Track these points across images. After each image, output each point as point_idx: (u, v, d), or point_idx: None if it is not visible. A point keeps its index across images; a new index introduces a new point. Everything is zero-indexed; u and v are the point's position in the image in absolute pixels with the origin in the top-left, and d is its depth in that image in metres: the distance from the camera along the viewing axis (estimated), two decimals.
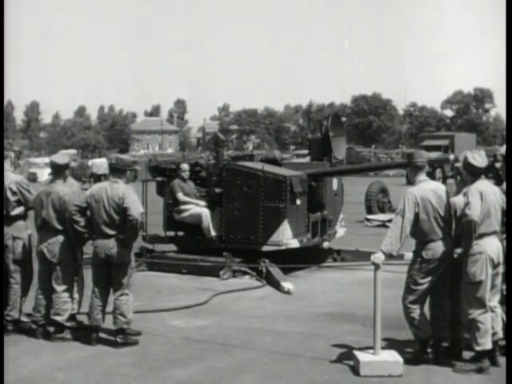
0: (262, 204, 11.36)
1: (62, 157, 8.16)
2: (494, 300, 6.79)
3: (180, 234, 12.50)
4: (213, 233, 11.86)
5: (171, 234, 12.56)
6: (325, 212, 12.46)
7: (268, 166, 11.83)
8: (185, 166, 12.41)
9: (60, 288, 7.79)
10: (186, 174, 12.39)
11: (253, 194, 11.44)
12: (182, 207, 12.16)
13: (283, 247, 11.31)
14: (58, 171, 7.96)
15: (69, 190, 7.88)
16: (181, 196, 12.16)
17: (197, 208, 12.06)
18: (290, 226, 11.35)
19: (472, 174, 6.85)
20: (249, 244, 11.46)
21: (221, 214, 11.71)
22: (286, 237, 11.29)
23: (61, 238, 7.81)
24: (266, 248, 11.33)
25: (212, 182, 12.07)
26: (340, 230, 13.28)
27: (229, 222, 11.59)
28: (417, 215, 6.87)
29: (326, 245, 13.08)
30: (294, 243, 11.44)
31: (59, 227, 7.80)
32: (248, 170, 11.61)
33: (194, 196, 12.30)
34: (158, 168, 12.94)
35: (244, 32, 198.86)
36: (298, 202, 11.52)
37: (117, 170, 7.75)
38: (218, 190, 11.80)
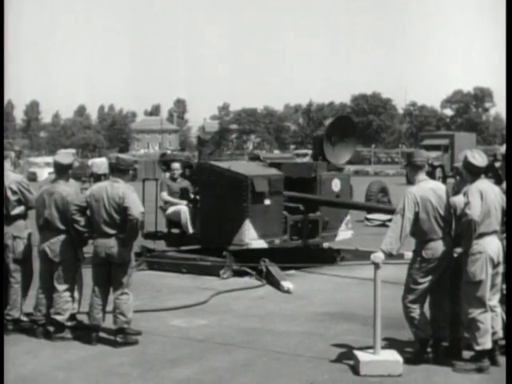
0: (227, 203, 11.50)
1: (66, 157, 8.15)
2: (493, 299, 6.79)
3: (175, 231, 12.61)
4: (191, 230, 12.11)
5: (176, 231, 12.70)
6: (317, 214, 12.20)
7: (236, 165, 12.02)
8: (176, 165, 12.87)
9: (61, 287, 7.79)
10: (176, 173, 12.77)
11: (221, 193, 11.60)
12: (167, 204, 12.61)
13: (245, 247, 11.37)
14: (62, 171, 7.96)
15: (71, 191, 7.89)
16: (163, 195, 12.66)
17: (179, 205, 12.37)
18: (255, 226, 11.31)
19: (472, 173, 6.85)
20: (218, 243, 11.59)
21: (195, 212, 11.98)
22: (248, 237, 11.30)
23: (63, 237, 7.81)
24: (232, 247, 11.45)
25: (192, 180, 12.45)
26: (344, 233, 12.87)
27: (202, 221, 11.80)
28: (417, 215, 6.87)
29: (325, 245, 13.09)
30: (260, 244, 11.41)
31: (62, 227, 7.80)
32: (217, 169, 11.76)
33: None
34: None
35: (244, 32, 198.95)
36: (267, 202, 11.46)
37: (118, 170, 7.76)
38: (193, 189, 12.18)
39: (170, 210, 12.48)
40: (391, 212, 11.24)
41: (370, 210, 12.56)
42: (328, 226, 12.39)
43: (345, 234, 12.91)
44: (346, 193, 12.82)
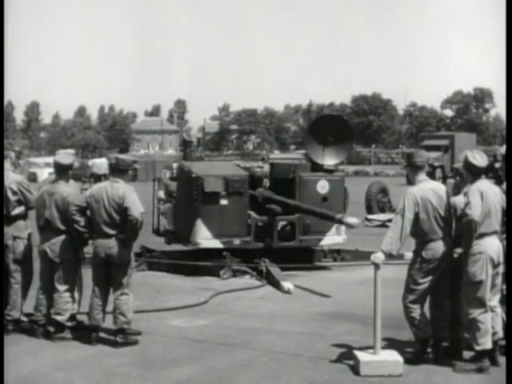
0: (184, 203, 11.75)
1: (66, 157, 8.14)
2: (494, 300, 6.79)
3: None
4: (170, 227, 12.42)
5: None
6: (295, 216, 11.87)
7: (205, 165, 12.27)
8: (175, 165, 12.90)
9: (62, 288, 7.79)
10: (175, 173, 12.83)
11: (182, 192, 11.87)
12: (161, 202, 12.96)
13: (197, 247, 11.52)
14: (62, 172, 7.96)
15: (72, 191, 7.89)
16: (159, 194, 12.98)
17: (168, 204, 12.66)
18: (208, 226, 11.36)
19: (472, 173, 6.85)
20: (182, 241, 11.87)
21: (173, 210, 12.27)
22: (200, 236, 11.40)
23: (63, 237, 7.80)
24: (189, 246, 11.72)
25: (172, 180, 12.69)
26: (331, 238, 12.28)
27: (174, 218, 12.14)
28: (417, 215, 6.87)
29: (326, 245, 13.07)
30: (214, 244, 11.47)
31: (62, 227, 7.80)
32: (183, 169, 11.96)
33: None
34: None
35: (244, 32, 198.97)
36: (224, 202, 11.49)
37: (118, 171, 7.76)
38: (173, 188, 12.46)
39: (163, 208, 12.81)
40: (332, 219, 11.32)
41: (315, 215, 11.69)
42: (311, 229, 11.98)
43: (332, 239, 12.32)
44: (338, 196, 12.22)
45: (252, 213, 11.71)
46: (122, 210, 7.49)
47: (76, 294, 8.01)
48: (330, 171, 12.46)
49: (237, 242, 11.58)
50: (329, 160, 12.65)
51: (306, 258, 12.23)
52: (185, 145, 13.45)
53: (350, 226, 11.22)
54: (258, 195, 11.97)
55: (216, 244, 11.48)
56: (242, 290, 10.43)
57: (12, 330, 7.91)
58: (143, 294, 9.87)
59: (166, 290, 10.44)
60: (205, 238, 11.41)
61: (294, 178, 12.17)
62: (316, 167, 12.51)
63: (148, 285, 10.67)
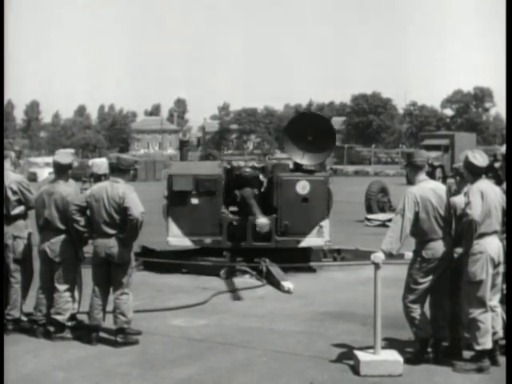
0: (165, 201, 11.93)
1: (66, 156, 8.14)
2: (494, 299, 6.79)
3: None
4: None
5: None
6: (272, 216, 11.64)
7: (186, 164, 12.41)
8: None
9: (62, 287, 7.79)
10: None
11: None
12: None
13: (168, 244, 11.71)
14: (61, 171, 7.96)
15: (71, 190, 7.89)
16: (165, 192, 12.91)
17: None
18: (178, 225, 11.48)
19: (473, 173, 6.85)
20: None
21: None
22: (171, 234, 11.59)
23: (63, 237, 7.80)
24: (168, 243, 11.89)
25: None
26: (312, 240, 11.82)
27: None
28: (417, 215, 6.87)
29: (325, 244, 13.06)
30: (183, 242, 11.63)
31: (62, 227, 7.80)
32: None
33: None
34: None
35: (244, 31, 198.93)
36: (195, 201, 11.58)
37: (119, 170, 7.76)
38: None
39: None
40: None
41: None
42: (289, 230, 11.70)
43: (313, 241, 11.88)
44: (320, 197, 11.75)
45: (226, 212, 11.75)
46: (122, 210, 7.49)
47: (76, 294, 8.01)
48: (311, 171, 11.98)
49: (208, 240, 11.67)
50: (309, 160, 12.09)
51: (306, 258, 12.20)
52: (181, 145, 13.56)
53: (259, 227, 11.13)
54: (238, 195, 11.98)
55: (186, 242, 11.67)
56: (242, 290, 10.42)
57: (12, 330, 7.92)
58: (143, 293, 9.88)
59: (166, 290, 10.45)
60: (175, 236, 11.61)
61: (271, 178, 12.06)
62: (297, 167, 12.13)
63: (148, 285, 10.67)
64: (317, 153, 12.05)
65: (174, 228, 11.56)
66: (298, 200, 11.71)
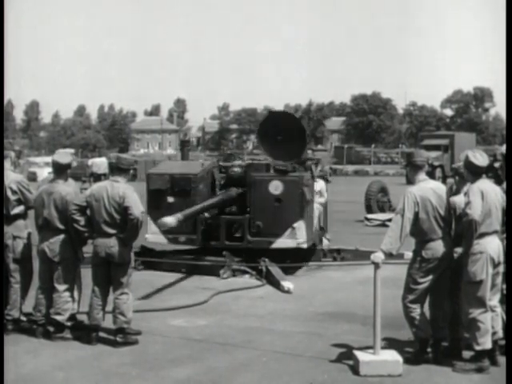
0: None
1: (65, 156, 8.13)
2: (494, 299, 6.78)
3: None
4: None
5: None
6: (245, 216, 11.58)
7: (172, 163, 12.78)
8: None
9: (61, 287, 7.78)
10: None
11: None
12: None
13: (147, 241, 11.91)
14: (60, 171, 7.95)
15: (70, 190, 7.88)
16: None
17: None
18: (155, 222, 11.40)
19: (473, 173, 6.85)
20: None
21: None
22: (148, 231, 11.78)
23: (62, 237, 7.80)
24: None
25: None
26: (283, 241, 11.46)
27: None
28: (416, 214, 6.87)
29: (325, 244, 13.05)
30: (159, 239, 11.84)
31: (61, 227, 7.79)
32: None
33: None
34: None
35: (244, 31, 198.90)
36: (171, 199, 11.72)
37: (119, 169, 7.77)
38: None
39: None
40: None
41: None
42: (262, 231, 11.48)
43: (285, 243, 11.46)
44: (293, 197, 11.40)
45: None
46: (123, 210, 7.49)
47: (75, 294, 8.00)
48: (285, 172, 11.60)
49: (182, 239, 11.83)
50: (281, 160, 11.75)
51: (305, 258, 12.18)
52: (182, 145, 13.72)
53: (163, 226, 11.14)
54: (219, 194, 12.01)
55: (161, 239, 11.86)
56: (242, 290, 10.42)
57: (12, 330, 7.91)
58: (143, 293, 9.87)
59: (166, 290, 10.43)
60: (152, 233, 11.79)
61: (244, 178, 11.97)
62: (271, 167, 11.80)
63: (148, 284, 10.66)
64: (288, 152, 11.76)
65: (152, 225, 11.67)
66: (271, 200, 11.45)
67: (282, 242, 11.47)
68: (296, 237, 11.42)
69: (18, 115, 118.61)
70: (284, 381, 6.52)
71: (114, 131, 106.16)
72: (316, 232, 12.64)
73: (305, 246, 11.57)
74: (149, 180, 11.96)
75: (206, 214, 11.74)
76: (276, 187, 11.43)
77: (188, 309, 9.20)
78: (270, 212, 11.45)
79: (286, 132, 11.80)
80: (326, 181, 15.11)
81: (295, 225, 11.38)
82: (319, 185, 13.37)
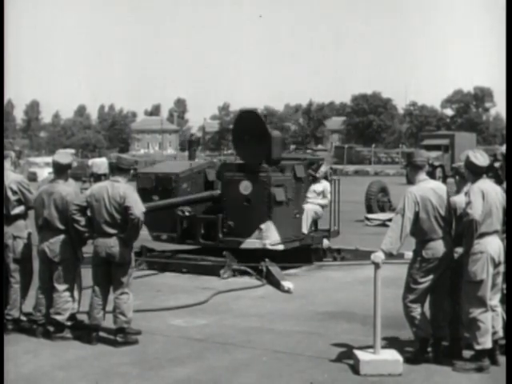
0: None
1: (65, 156, 8.13)
2: (494, 299, 6.79)
3: None
4: None
5: None
6: (219, 216, 11.55)
7: (165, 163, 12.90)
8: None
9: (61, 287, 7.78)
10: None
11: None
12: None
13: None
14: (60, 171, 7.95)
15: (71, 190, 7.88)
16: None
17: None
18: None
19: (474, 173, 6.85)
20: None
21: None
22: None
23: (62, 237, 7.80)
24: None
25: None
26: (251, 242, 11.34)
27: None
28: (417, 214, 6.87)
29: (326, 244, 13.04)
30: (147, 237, 11.93)
31: (61, 227, 7.79)
32: None
33: None
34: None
35: (244, 31, 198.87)
36: (155, 198, 11.92)
37: (119, 169, 7.77)
38: None
39: None
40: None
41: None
42: (233, 230, 11.48)
43: (253, 244, 11.33)
44: (260, 198, 11.26)
45: (184, 209, 11.85)
46: (123, 210, 7.49)
47: (76, 294, 8.01)
48: (255, 172, 11.42)
49: (164, 237, 12.07)
50: (250, 159, 11.66)
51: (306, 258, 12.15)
52: (189, 145, 13.88)
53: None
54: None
55: (147, 237, 11.98)
56: (242, 290, 10.42)
57: (12, 330, 7.91)
58: (143, 293, 9.87)
59: (166, 290, 10.44)
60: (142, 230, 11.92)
61: (219, 178, 12.10)
62: (243, 167, 11.75)
63: (148, 284, 10.67)
64: (253, 153, 11.59)
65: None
66: (241, 200, 11.39)
67: (251, 243, 11.37)
68: (263, 238, 11.27)
69: (18, 115, 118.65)
70: (284, 380, 6.52)
71: (115, 131, 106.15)
72: (311, 233, 12.53)
73: (280, 247, 11.38)
74: (137, 179, 12.27)
75: (187, 213, 11.84)
76: (245, 187, 11.40)
77: (188, 308, 9.21)
78: (241, 212, 11.40)
79: (252, 133, 11.59)
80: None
81: (262, 226, 11.25)
82: (322, 185, 13.01)
